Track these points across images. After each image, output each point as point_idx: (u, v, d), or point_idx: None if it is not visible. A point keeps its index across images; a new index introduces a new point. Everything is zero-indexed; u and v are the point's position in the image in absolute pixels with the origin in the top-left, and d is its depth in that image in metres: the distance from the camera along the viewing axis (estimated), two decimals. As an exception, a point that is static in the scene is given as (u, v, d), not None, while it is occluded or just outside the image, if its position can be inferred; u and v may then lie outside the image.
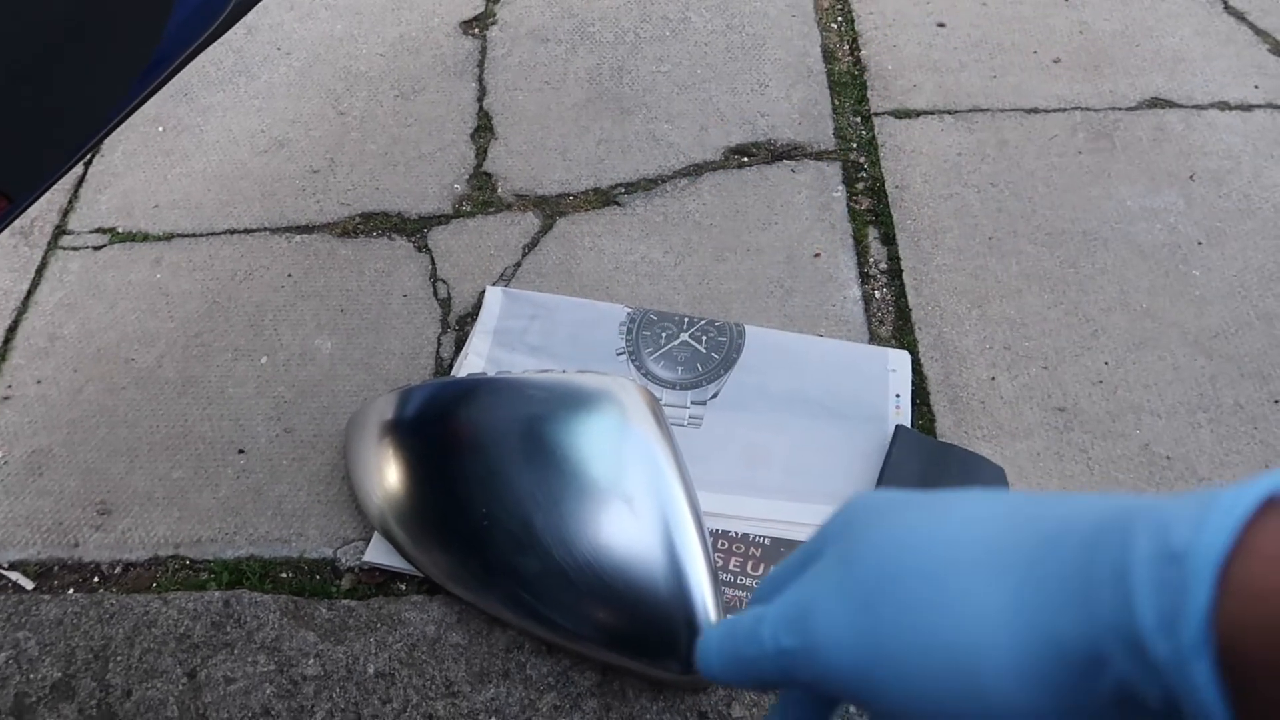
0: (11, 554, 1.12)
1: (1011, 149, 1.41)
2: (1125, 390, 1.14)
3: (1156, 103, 1.46)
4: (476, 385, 1.12)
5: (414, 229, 1.42)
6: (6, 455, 1.21)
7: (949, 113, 1.48)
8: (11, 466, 1.20)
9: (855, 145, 1.45)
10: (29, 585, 1.10)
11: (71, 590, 1.09)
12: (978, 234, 1.30)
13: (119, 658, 1.02)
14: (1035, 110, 1.46)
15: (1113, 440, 1.10)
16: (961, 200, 1.35)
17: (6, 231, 1.46)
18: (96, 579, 1.10)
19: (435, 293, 1.33)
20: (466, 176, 1.48)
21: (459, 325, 1.29)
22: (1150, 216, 1.31)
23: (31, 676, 1.01)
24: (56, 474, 1.19)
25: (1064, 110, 1.46)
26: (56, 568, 1.11)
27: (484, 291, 1.31)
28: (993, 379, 1.15)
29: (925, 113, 1.48)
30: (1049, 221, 1.31)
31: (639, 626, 0.93)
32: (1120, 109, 1.46)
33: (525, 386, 1.09)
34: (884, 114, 1.48)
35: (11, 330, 1.34)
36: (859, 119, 1.49)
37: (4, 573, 1.11)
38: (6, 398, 1.27)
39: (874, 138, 1.45)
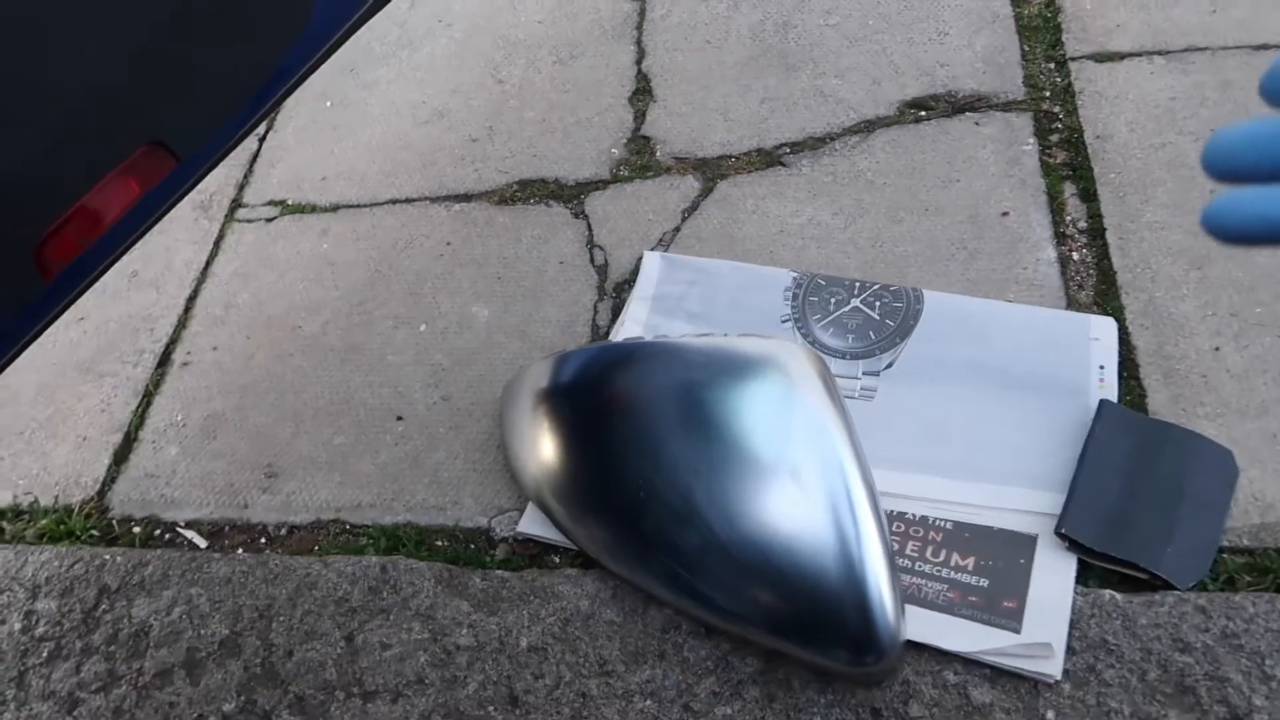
0: (187, 513, 1.16)
1: (1237, 91, 1.23)
2: (1383, 364, 0.97)
3: None
4: (633, 350, 1.07)
5: (571, 195, 1.38)
6: (185, 419, 1.25)
7: (1159, 53, 1.31)
8: (189, 429, 1.24)
9: (1049, 94, 1.30)
10: (202, 544, 1.13)
11: (240, 550, 1.11)
12: (1195, 187, 1.15)
13: (282, 618, 1.03)
14: (1265, 46, 1.28)
15: (1368, 422, 0.93)
16: (1176, 149, 1.19)
17: (187, 205, 1.52)
18: (263, 540, 1.12)
19: (592, 259, 1.29)
20: (624, 140, 1.43)
21: (616, 292, 1.24)
22: None
23: (202, 632, 1.03)
24: (229, 437, 1.22)
25: (1301, 45, 1.27)
26: (227, 527, 1.14)
27: (642, 257, 1.26)
28: (1217, 349, 1.00)
29: (1131, 55, 1.32)
30: (1284, 171, 1.14)
31: (806, 611, 0.85)
32: (1372, 41, 1.25)
33: (684, 351, 1.03)
34: (1082, 58, 1.33)
35: (192, 299, 1.39)
36: (1052, 65, 1.34)
37: (180, 530, 1.14)
38: (186, 363, 1.31)
39: (1070, 84, 1.30)
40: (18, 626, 1.07)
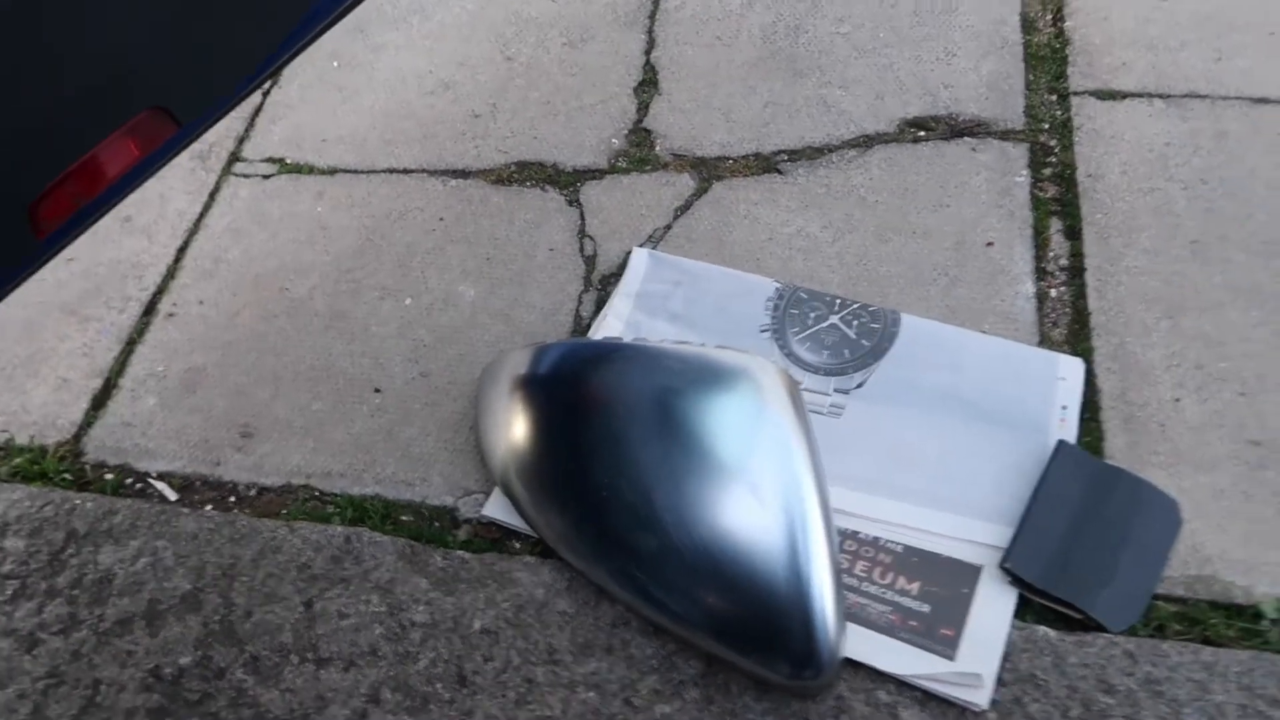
0: (160, 464, 1.18)
1: (1231, 143, 1.25)
2: (1338, 429, 0.99)
3: None
4: (611, 350, 1.09)
5: (567, 182, 1.39)
6: (166, 370, 1.26)
7: (1161, 96, 1.32)
8: (169, 381, 1.25)
9: (1047, 126, 1.32)
10: (172, 496, 1.14)
11: (209, 507, 1.13)
12: (1179, 235, 1.16)
13: (244, 578, 1.05)
14: (1265, 100, 1.29)
15: (1315, 485, 0.96)
16: (1164, 196, 1.21)
17: (185, 154, 1.52)
18: (233, 499, 1.14)
19: (582, 249, 1.30)
20: (626, 131, 1.44)
21: (602, 285, 1.26)
22: (1393, 232, 1.14)
23: (165, 585, 1.06)
24: (208, 393, 1.23)
25: (1300, 102, 1.28)
26: (198, 483, 1.16)
27: (630, 252, 1.27)
28: (1177, 400, 1.03)
29: (1133, 95, 1.33)
30: (1266, 229, 1.15)
31: (751, 621, 0.88)
32: (1369, 105, 1.27)
33: (661, 357, 1.05)
34: (1084, 93, 1.34)
35: (183, 250, 1.40)
36: (1055, 97, 1.35)
37: (152, 481, 1.16)
38: (171, 314, 1.32)
39: (1070, 119, 1.32)
40: (-15, 562, 1.09)
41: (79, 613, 1.04)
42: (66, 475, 1.17)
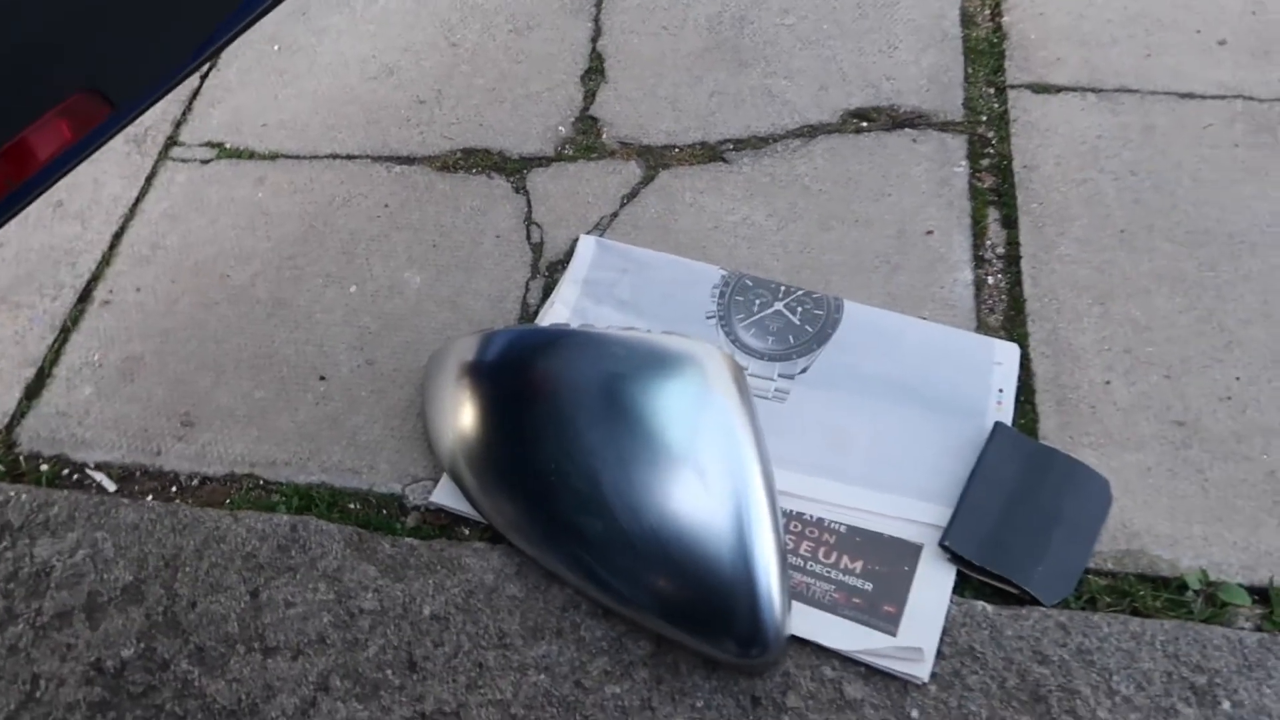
0: (98, 455, 1.15)
1: (1159, 136, 1.29)
2: (1256, 410, 1.04)
3: (1330, 97, 1.32)
4: (558, 336, 1.09)
5: (514, 169, 1.39)
6: (102, 358, 1.24)
7: (1093, 91, 1.36)
8: (106, 370, 1.22)
9: (985, 118, 1.35)
10: (111, 487, 1.12)
11: (150, 497, 1.11)
12: (1109, 225, 1.20)
13: (188, 569, 1.03)
14: (1191, 95, 1.34)
15: (1235, 463, 1.00)
16: (1095, 187, 1.25)
17: (121, 138, 1.49)
18: (174, 489, 1.12)
19: (528, 236, 1.30)
20: (572, 119, 1.44)
21: (549, 272, 1.26)
22: (1308, 222, 1.19)
23: (105, 577, 1.04)
24: (146, 381, 1.21)
25: (1224, 98, 1.33)
26: (138, 473, 1.14)
27: (577, 240, 1.27)
28: (1107, 383, 1.06)
29: (1066, 89, 1.37)
30: (1191, 219, 1.20)
31: (698, 602, 0.90)
32: (1287, 100, 1.32)
33: (608, 343, 1.05)
34: (1021, 87, 1.38)
35: (118, 236, 1.37)
36: (992, 90, 1.39)
37: (90, 472, 1.14)
38: (107, 302, 1.30)
39: (1007, 112, 1.35)
40: (-87, 556, 1.06)
41: (15, 606, 1.02)
42: (-1, 466, 1.14)
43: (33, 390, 1.21)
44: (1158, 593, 0.92)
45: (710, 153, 1.37)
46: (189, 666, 0.97)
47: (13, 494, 1.10)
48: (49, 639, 1.00)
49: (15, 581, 1.04)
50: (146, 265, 1.33)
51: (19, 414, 1.19)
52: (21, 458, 1.15)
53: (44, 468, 1.14)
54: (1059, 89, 1.38)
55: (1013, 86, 1.39)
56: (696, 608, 0.89)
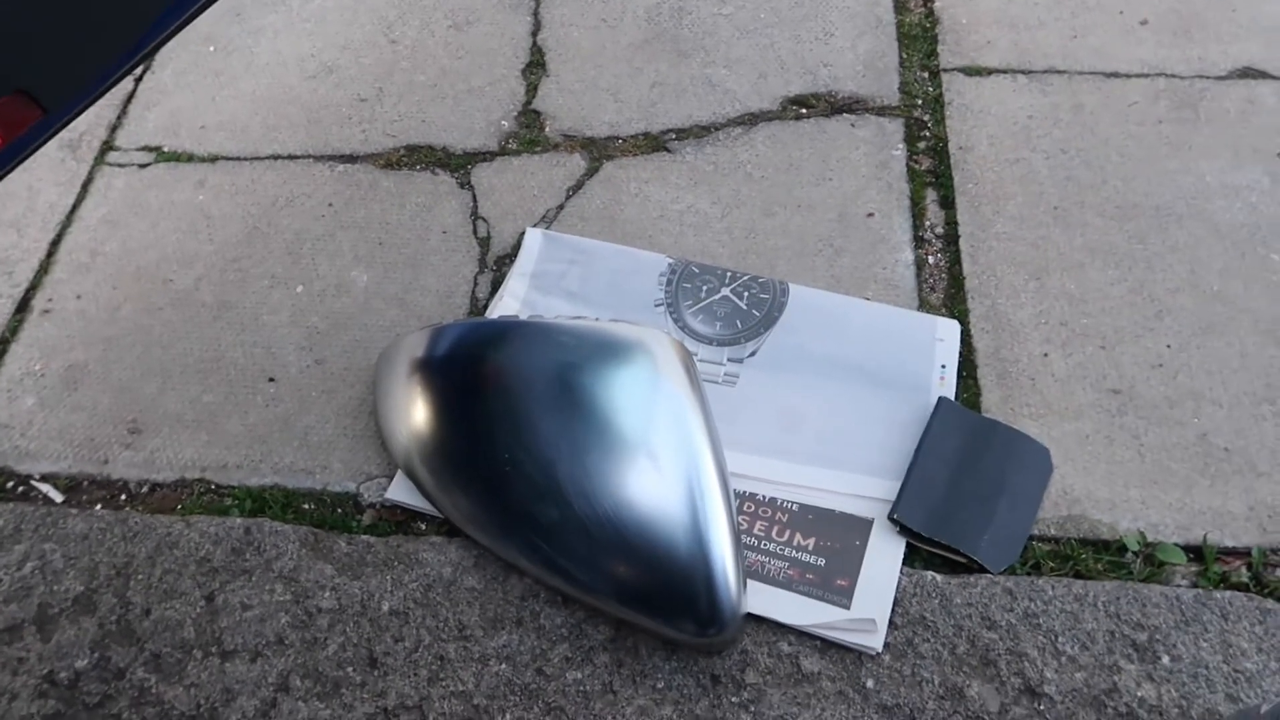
0: (43, 466, 1.13)
1: (1087, 114, 1.33)
2: (1186, 376, 1.08)
3: (1249, 73, 1.37)
4: (508, 328, 1.09)
5: (458, 165, 1.39)
6: (44, 368, 1.21)
7: (1023, 72, 1.40)
8: (48, 379, 1.20)
9: (920, 102, 1.38)
10: (58, 498, 1.11)
11: (99, 506, 1.10)
12: (1042, 202, 1.24)
13: (140, 576, 1.02)
14: (1116, 75, 1.38)
15: (1168, 428, 1.04)
16: (1028, 166, 1.28)
17: (55, 144, 1.46)
18: (124, 497, 1.11)
19: (475, 231, 1.31)
20: (515, 113, 1.44)
21: (497, 266, 1.26)
22: (1230, 194, 1.23)
23: (55, 588, 1.02)
24: (91, 390, 1.19)
25: (1147, 76, 1.37)
26: (86, 483, 1.12)
27: (524, 233, 1.28)
28: (1045, 355, 1.10)
29: (997, 71, 1.40)
30: (1120, 194, 1.24)
31: (656, 585, 0.91)
32: (1209, 78, 1.37)
33: (557, 332, 1.06)
34: (954, 70, 1.41)
35: (55, 244, 1.35)
36: (926, 74, 1.42)
37: (35, 484, 1.12)
38: (47, 310, 1.27)
39: (941, 95, 1.38)
40: None
41: (-38, 622, 1.00)
42: (-60, 481, 1.12)
43: (-28, 403, 1.18)
44: (1099, 555, 0.95)
45: (653, 143, 1.39)
46: (145, 674, 0.96)
47: (-45, 509, 1.08)
48: (-1, 654, 0.98)
49: (-39, 597, 1.02)
50: (86, 272, 1.31)
51: (-41, 428, 1.16)
52: (-37, 472, 1.13)
53: (-13, 481, 1.12)
54: (990, 71, 1.41)
55: (946, 70, 1.42)
56: (654, 591, 0.91)
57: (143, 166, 1.44)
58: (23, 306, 1.28)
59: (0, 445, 1.15)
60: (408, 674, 0.94)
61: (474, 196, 1.35)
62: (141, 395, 1.18)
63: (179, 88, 1.53)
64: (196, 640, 0.98)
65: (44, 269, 1.32)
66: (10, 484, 1.12)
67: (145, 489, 1.11)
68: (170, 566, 1.03)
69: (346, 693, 0.93)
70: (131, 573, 1.03)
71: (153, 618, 1.00)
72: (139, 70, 1.57)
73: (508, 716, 0.91)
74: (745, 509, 0.99)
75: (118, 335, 1.24)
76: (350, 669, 0.95)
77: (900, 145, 1.33)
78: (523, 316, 1.15)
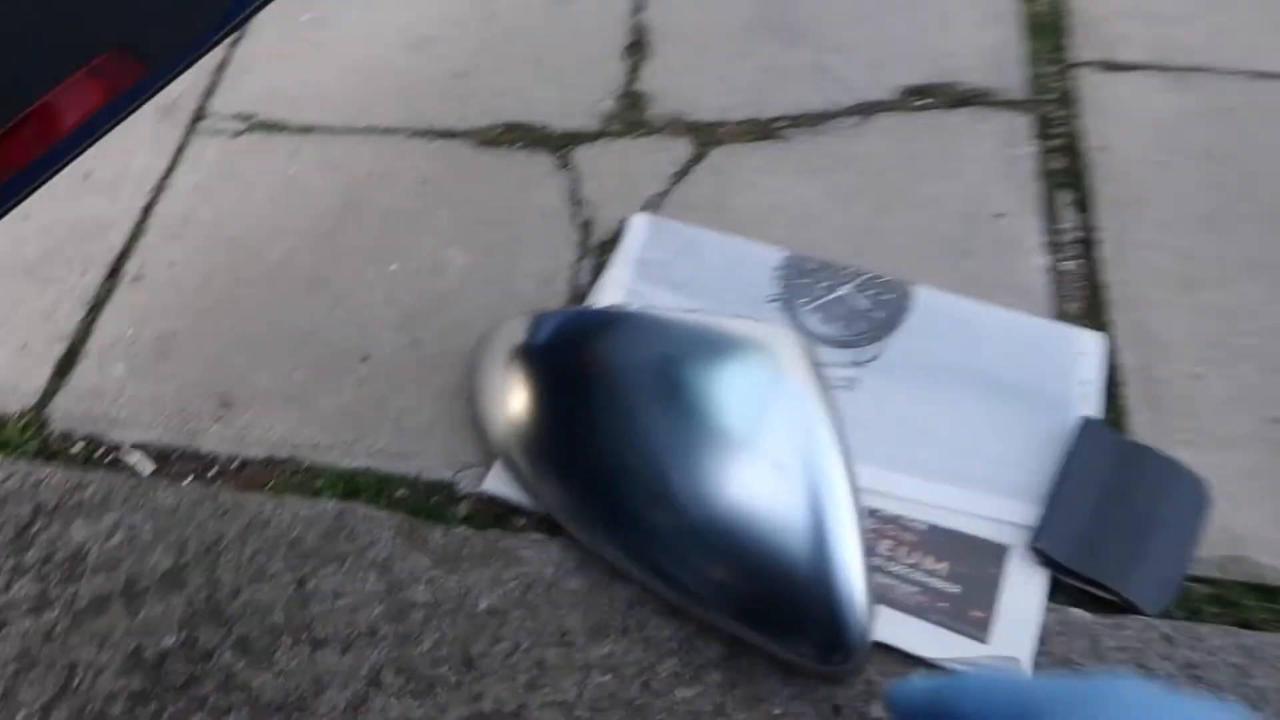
0: (133, 435, 1.10)
1: (1236, 116, 1.24)
2: (1352, 406, 0.99)
3: None
4: (618, 317, 1.04)
5: (558, 145, 1.33)
6: (135, 336, 1.19)
7: (1162, 69, 1.31)
8: (139, 347, 1.18)
9: (1051, 97, 1.30)
10: (148, 469, 1.08)
11: (189, 480, 1.06)
12: (1190, 209, 1.15)
13: (230, 555, 0.99)
14: (1265, 75, 1.28)
15: (1334, 463, 0.95)
16: (1172, 169, 1.19)
17: (149, 109, 1.42)
18: (213, 471, 1.07)
19: (576, 214, 1.25)
20: (617, 94, 1.39)
21: (599, 251, 1.21)
22: (1395, 209, 1.14)
23: (144, 562, 0.99)
24: (182, 360, 1.16)
25: (1299, 78, 1.28)
26: (175, 455, 1.09)
27: (628, 218, 1.22)
28: (1199, 376, 1.01)
29: (1135, 67, 1.31)
30: (1275, 202, 1.15)
31: (774, 602, 0.85)
32: (1366, 82, 1.27)
33: (672, 325, 1.00)
34: (1086, 65, 1.32)
35: (148, 209, 1.32)
36: (1056, 68, 1.33)
37: (125, 454, 1.09)
38: (139, 277, 1.25)
39: (1073, 90, 1.30)
40: (-58, 539, 1.02)
41: (49, 591, 0.98)
42: (30, 445, 1.09)
43: (63, 367, 1.16)
44: (1265, 604, 0.87)
45: (763, 130, 1.32)
46: (233, 658, 0.93)
47: (45, 474, 1.06)
48: (85, 626, 0.95)
49: (50, 565, 0.99)
50: (178, 240, 1.28)
51: (50, 392, 1.14)
52: (54, 436, 1.10)
53: (77, 448, 1.09)
54: (1127, 67, 1.32)
55: (1078, 64, 1.33)
56: (773, 608, 0.85)
57: (235, 134, 1.40)
58: (115, 272, 1.25)
59: (91, 411, 1.12)
60: (505, 678, 0.89)
61: (574, 178, 1.29)
62: (232, 368, 1.15)
63: (273, 56, 1.50)
64: (286, 626, 0.94)
65: (136, 235, 1.29)
66: (100, 452, 1.09)
67: (235, 464, 1.08)
68: (260, 547, 0.99)
69: (441, 693, 0.89)
70: (221, 551, 0.99)
71: (241, 599, 0.96)
72: (233, 37, 1.54)
73: (610, 730, 0.86)
74: (868, 525, 0.93)
75: (209, 305, 1.21)
76: (445, 668, 0.90)
77: (1031, 142, 1.25)
78: (629, 306, 1.09)
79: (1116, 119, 1.26)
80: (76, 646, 0.94)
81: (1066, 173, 1.21)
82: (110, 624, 0.95)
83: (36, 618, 0.96)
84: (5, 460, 1.07)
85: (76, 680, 0.92)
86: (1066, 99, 1.29)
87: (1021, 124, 1.28)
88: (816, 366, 0.97)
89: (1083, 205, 1.17)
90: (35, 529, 1.01)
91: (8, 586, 0.98)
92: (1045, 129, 1.27)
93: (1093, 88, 1.30)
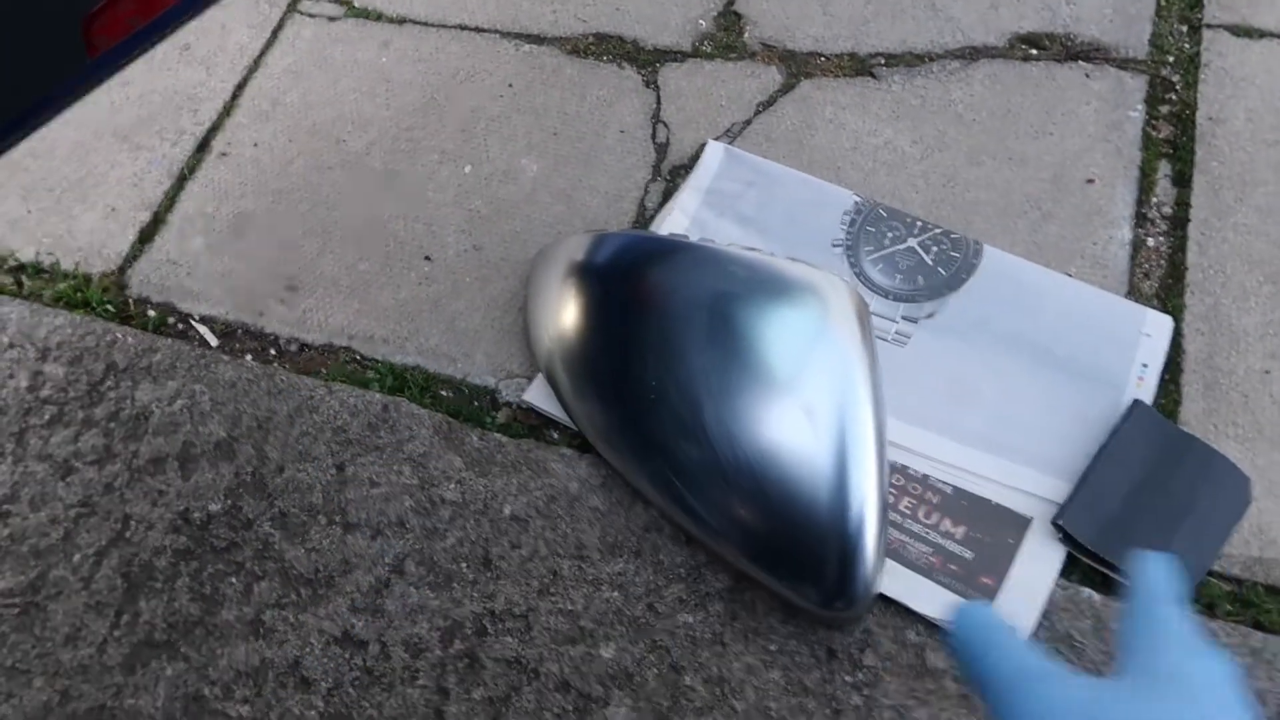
0: (204, 308, 1.16)
1: (1372, 100, 1.14)
2: None
3: None
4: (677, 248, 1.03)
5: (646, 61, 1.31)
6: (216, 211, 1.23)
7: (1301, 40, 1.21)
8: (218, 223, 1.22)
9: (1172, 59, 1.21)
10: (214, 341, 1.13)
11: (249, 357, 1.11)
12: (1298, 196, 1.08)
13: (279, 434, 1.04)
14: None
15: (1400, 480, 0.90)
16: (1288, 151, 1.11)
17: (252, -14, 1.45)
18: (273, 351, 1.12)
19: (654, 135, 1.24)
20: (714, 13, 1.35)
21: (671, 175, 1.19)
22: None
23: (200, 430, 1.05)
24: (256, 240, 1.20)
25: None
26: (240, 331, 1.14)
27: (705, 145, 1.20)
28: (1267, 372, 0.96)
29: (1271, 34, 1.22)
30: (1395, 199, 1.07)
31: (786, 543, 0.86)
32: None
33: (728, 261, 0.99)
34: (1218, 27, 1.23)
35: (240, 87, 1.35)
36: (1185, 29, 1.24)
37: (194, 324, 1.14)
38: (224, 154, 1.28)
39: (1198, 54, 1.21)
40: (24, 384, 1.09)
41: (114, 446, 1.04)
42: (109, 307, 1.15)
43: (146, 235, 1.21)
44: (1287, 610, 0.84)
45: (859, 65, 1.27)
46: (271, 529, 0.98)
47: (120, 335, 1.12)
48: (143, 483, 1.02)
49: (116, 421, 1.06)
50: (266, 121, 1.31)
51: (131, 257, 1.20)
52: (131, 301, 1.16)
53: (151, 313, 1.15)
54: (1263, 34, 1.22)
55: (1209, 26, 1.24)
56: (785, 549, 0.85)
57: (332, 19, 1.42)
58: (203, 146, 1.29)
59: (167, 280, 1.17)
60: (519, 581, 0.93)
61: (658, 98, 1.27)
62: (302, 253, 1.19)
63: (378, -58, 1.50)
64: (323, 506, 0.99)
65: (227, 111, 1.32)
66: (171, 319, 1.15)
67: (294, 348, 1.12)
68: (307, 429, 1.04)
69: (457, 588, 0.93)
70: (271, 428, 1.04)
71: (285, 476, 1.01)
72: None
73: (612, 646, 0.89)
74: (894, 481, 0.92)
75: (287, 189, 1.24)
76: (464, 565, 0.94)
77: (1140, 106, 1.18)
78: (692, 235, 1.09)
79: (1238, 90, 1.17)
80: (132, 501, 1.00)
81: (1171, 143, 1.14)
82: (164, 484, 1.01)
83: (99, 469, 1.03)
84: (84, 319, 1.13)
85: (129, 532, 0.99)
86: (1188, 63, 1.21)
87: (1135, 86, 1.20)
88: (867, 318, 0.95)
89: (1181, 179, 1.11)
90: (106, 386, 1.08)
91: (76, 438, 1.05)
92: (1159, 94, 1.19)
93: (1219, 53, 1.21)
